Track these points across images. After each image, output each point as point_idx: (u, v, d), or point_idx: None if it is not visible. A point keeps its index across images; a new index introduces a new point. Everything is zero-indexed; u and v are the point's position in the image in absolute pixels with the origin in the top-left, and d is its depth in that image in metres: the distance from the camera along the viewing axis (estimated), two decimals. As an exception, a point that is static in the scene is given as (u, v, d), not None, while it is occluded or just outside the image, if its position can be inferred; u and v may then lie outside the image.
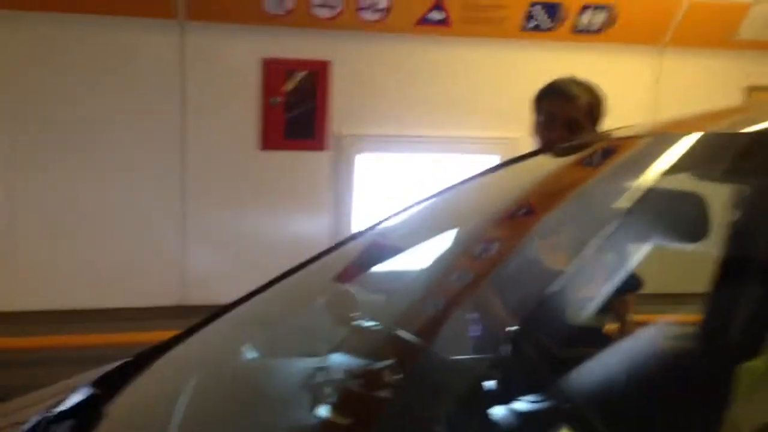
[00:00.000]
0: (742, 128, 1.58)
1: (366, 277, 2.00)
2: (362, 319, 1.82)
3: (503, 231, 2.05)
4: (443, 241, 2.04)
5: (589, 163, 2.05)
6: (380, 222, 2.02)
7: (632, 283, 2.42)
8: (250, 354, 1.80)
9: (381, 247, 2.03)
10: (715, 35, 3.53)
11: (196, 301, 3.22)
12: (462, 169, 3.59)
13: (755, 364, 1.55)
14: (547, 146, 2.48)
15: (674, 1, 3.35)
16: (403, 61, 3.39)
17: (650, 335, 2.10)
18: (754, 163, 1.66)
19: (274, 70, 3.29)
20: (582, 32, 3.42)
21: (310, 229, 3.45)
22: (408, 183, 3.54)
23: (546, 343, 1.94)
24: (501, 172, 2.24)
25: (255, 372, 1.76)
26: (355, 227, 3.51)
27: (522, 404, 1.62)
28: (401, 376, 1.53)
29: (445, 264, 2.03)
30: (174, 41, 3.15)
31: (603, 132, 2.24)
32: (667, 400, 1.74)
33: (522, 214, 2.01)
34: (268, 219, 3.41)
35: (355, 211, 3.48)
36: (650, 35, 3.51)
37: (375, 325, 1.82)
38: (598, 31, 3.42)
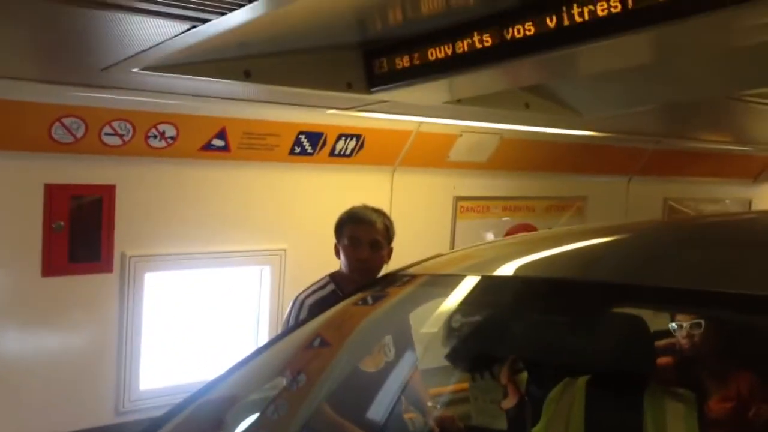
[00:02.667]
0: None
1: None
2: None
3: (306, 364, 2.41)
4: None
5: (387, 297, 2.53)
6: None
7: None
8: None
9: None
10: (434, 157, 4.38)
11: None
12: (240, 279, 3.89)
13: (538, 429, 2.12)
14: (354, 265, 2.93)
15: (406, 132, 4.11)
16: (187, 183, 3.60)
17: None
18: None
19: (57, 195, 3.25)
20: (337, 156, 3.99)
21: (95, 351, 3.43)
22: (197, 297, 3.72)
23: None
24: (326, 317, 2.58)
25: None
26: (145, 345, 3.56)
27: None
28: None
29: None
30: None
31: (399, 269, 2.73)
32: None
33: (317, 346, 2.41)
34: (52, 344, 3.30)
35: (146, 329, 3.54)
36: (388, 158, 4.22)
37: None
38: (350, 155, 4.03)
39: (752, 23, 1.94)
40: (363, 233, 2.92)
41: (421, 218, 4.43)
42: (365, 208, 3.03)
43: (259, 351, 2.36)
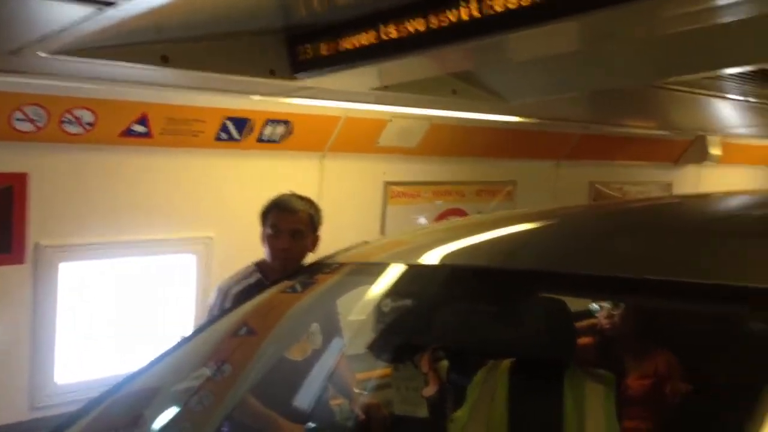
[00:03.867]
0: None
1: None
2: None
3: (232, 353, 2.38)
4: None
5: (313, 285, 2.51)
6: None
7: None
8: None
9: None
10: (363, 143, 4.35)
11: None
12: (165, 268, 3.78)
13: (460, 413, 2.16)
14: (276, 254, 2.89)
15: (334, 118, 4.06)
16: (107, 171, 3.46)
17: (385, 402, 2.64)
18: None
19: (-37, 186, 3.09)
20: (265, 142, 3.91)
21: (7, 344, 3.28)
22: (120, 287, 3.60)
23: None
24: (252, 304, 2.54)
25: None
26: (61, 338, 3.43)
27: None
28: None
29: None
30: None
31: (325, 258, 2.71)
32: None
33: (244, 335, 2.38)
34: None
35: (63, 321, 3.41)
36: (317, 144, 4.17)
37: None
38: (278, 141, 3.96)
39: (675, 12, 1.97)
40: (284, 222, 2.88)
41: (352, 204, 4.40)
42: (290, 196, 2.98)
43: (183, 342, 2.29)
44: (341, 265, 2.36)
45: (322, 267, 2.45)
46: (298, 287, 2.51)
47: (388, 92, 2.93)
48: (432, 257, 2.18)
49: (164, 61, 2.26)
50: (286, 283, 2.48)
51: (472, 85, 3.08)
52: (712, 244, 1.73)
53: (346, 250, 2.41)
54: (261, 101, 3.47)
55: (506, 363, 2.08)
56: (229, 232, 3.85)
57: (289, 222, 2.88)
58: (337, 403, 2.87)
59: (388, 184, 4.61)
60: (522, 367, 2.09)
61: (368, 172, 4.51)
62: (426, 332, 2.32)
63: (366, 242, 2.50)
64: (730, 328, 2.08)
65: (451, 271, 2.07)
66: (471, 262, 2.05)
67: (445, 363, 2.26)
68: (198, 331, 2.51)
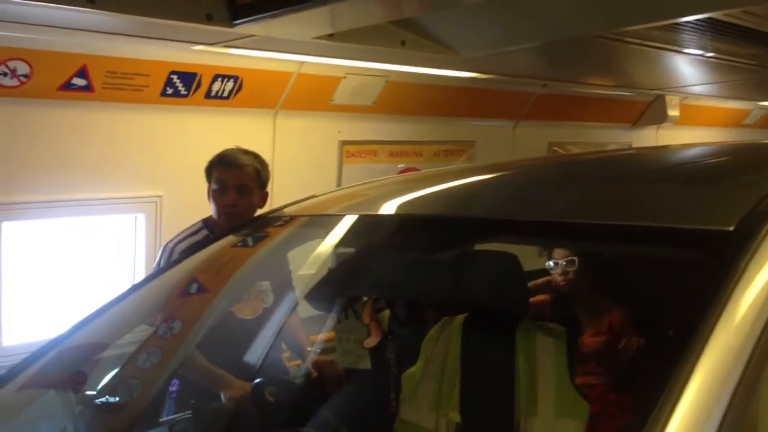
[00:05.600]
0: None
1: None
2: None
3: (182, 310, 2.34)
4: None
5: (263, 239, 2.47)
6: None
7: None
8: None
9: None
10: (317, 100, 4.27)
11: None
12: (113, 228, 3.69)
13: (414, 370, 2.14)
14: (221, 211, 2.83)
15: (286, 74, 3.97)
16: (46, 126, 3.34)
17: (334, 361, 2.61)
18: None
19: None
20: (214, 98, 3.81)
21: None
22: (61, 248, 3.50)
23: (276, 387, 2.34)
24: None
25: None
26: (6, 299, 3.34)
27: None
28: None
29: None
30: None
31: (271, 211, 2.65)
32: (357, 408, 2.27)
33: (195, 292, 2.34)
34: None
35: (7, 282, 3.31)
36: (269, 101, 4.07)
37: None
38: (228, 97, 3.86)
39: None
40: (230, 177, 2.81)
41: (306, 163, 4.33)
42: (236, 150, 2.91)
43: (126, 294, 2.22)
44: (290, 217, 2.31)
45: (270, 220, 2.41)
46: (249, 241, 2.46)
47: (335, 42, 2.85)
48: (384, 208, 2.16)
49: (90, 2, 2.16)
50: (235, 238, 2.43)
51: (421, 36, 3.01)
52: (656, 189, 1.72)
53: (294, 203, 2.37)
54: (207, 55, 3.38)
55: (459, 319, 2.08)
56: (178, 191, 3.76)
57: (235, 177, 2.82)
58: (288, 361, 2.84)
59: (343, 143, 4.54)
60: (475, 323, 2.08)
61: (323, 130, 4.43)
62: (374, 284, 2.30)
63: (313, 196, 2.45)
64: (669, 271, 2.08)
65: (402, 220, 2.05)
66: (423, 212, 2.04)
67: (386, 313, 2.23)
68: (140, 285, 2.44)
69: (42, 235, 3.45)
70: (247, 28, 2.53)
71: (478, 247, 2.15)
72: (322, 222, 2.33)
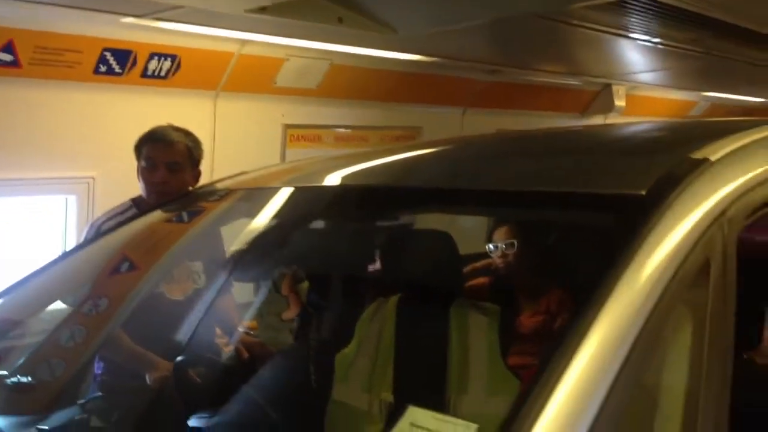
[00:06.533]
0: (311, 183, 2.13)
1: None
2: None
3: (110, 287, 2.28)
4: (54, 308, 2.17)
5: (195, 215, 2.41)
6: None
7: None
8: None
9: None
10: (260, 83, 4.19)
11: None
12: (43, 209, 3.58)
13: (348, 350, 2.12)
14: (151, 189, 2.75)
15: (227, 54, 3.89)
16: (-30, 102, 3.22)
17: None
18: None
19: None
20: (150, 77, 3.71)
21: None
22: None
23: (200, 367, 2.29)
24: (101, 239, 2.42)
25: None
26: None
27: (198, 421, 1.95)
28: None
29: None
30: None
31: (204, 186, 2.58)
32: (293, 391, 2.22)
33: (125, 270, 2.28)
34: None
35: None
36: (209, 82, 3.99)
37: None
38: (165, 77, 3.76)
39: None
40: (160, 154, 2.73)
41: (248, 147, 4.25)
42: (167, 127, 2.83)
43: (43, 269, 2.14)
44: (222, 192, 2.25)
45: (201, 195, 2.35)
46: (180, 217, 2.40)
47: (269, 17, 2.78)
48: (315, 180, 2.13)
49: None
50: (164, 214, 2.36)
51: (358, 13, 2.96)
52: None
53: (226, 178, 2.31)
54: (140, 29, 3.28)
55: (394, 299, 2.06)
56: (112, 172, 3.64)
57: (165, 154, 2.74)
58: (221, 341, 2.77)
59: (287, 126, 4.47)
60: (410, 302, 2.06)
61: (266, 113, 4.36)
62: (295, 256, 2.26)
63: (244, 172, 2.40)
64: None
65: (335, 192, 2.02)
66: (357, 183, 2.02)
67: (305, 285, 2.18)
68: (60, 258, 2.35)
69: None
70: (173, -2, 2.45)
71: (405, 213, 2.14)
72: (254, 196, 2.29)
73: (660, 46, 4.56)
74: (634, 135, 2.25)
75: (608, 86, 6.11)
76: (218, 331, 2.77)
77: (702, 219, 1.24)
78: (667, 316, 1.11)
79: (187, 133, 2.85)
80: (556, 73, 5.50)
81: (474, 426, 1.20)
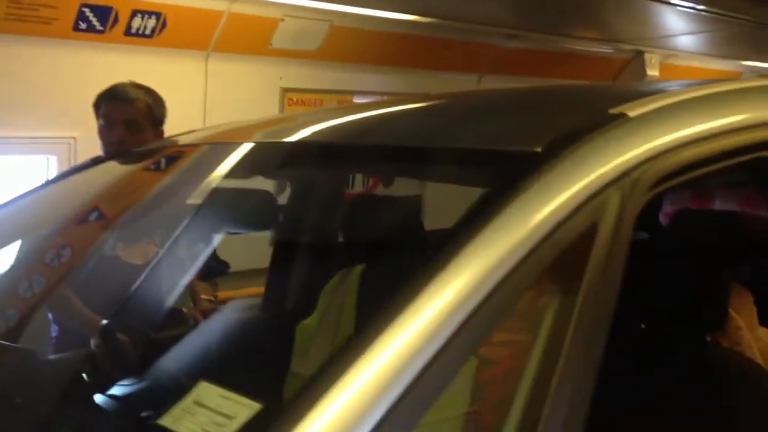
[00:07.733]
0: (283, 138, 2.02)
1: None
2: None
3: (74, 237, 2.19)
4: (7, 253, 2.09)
5: (158, 168, 2.31)
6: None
7: (216, 267, 2.75)
8: None
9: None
10: (254, 43, 4.03)
11: None
12: (22, 169, 3.52)
13: (309, 322, 2.01)
14: (109, 148, 2.64)
15: (216, 12, 3.74)
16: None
17: (225, 311, 2.50)
18: (292, 168, 2.13)
19: None
20: (134, 36, 3.59)
21: None
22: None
23: (136, 331, 2.18)
24: (66, 181, 2.36)
25: None
26: None
27: (122, 388, 1.84)
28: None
29: (16, 273, 2.09)
30: None
31: (167, 139, 2.48)
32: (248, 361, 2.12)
33: (93, 220, 2.18)
34: None
35: None
36: (198, 41, 3.85)
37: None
38: (150, 35, 3.64)
39: None
40: (117, 112, 2.62)
41: (242, 111, 4.03)
42: (127, 84, 2.71)
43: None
44: (182, 148, 2.15)
45: (155, 150, 2.23)
46: (161, 164, 2.30)
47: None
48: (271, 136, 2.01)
49: None
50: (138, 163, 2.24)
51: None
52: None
53: (184, 133, 2.19)
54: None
55: (358, 269, 2.00)
56: (94, 132, 3.54)
57: (123, 112, 2.62)
58: (177, 306, 2.68)
59: (285, 90, 4.31)
60: (372, 273, 1.98)
61: (262, 76, 4.20)
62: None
63: (193, 131, 2.29)
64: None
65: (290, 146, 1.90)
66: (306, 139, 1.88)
67: None
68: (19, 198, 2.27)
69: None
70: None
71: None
72: (212, 151, 2.17)
73: (705, 14, 4.20)
74: (567, 92, 2.08)
75: (640, 54, 5.74)
76: (185, 300, 2.67)
77: (596, 179, 1.10)
78: (526, 281, 0.99)
79: (149, 91, 2.73)
80: (581, 38, 5.19)
81: (257, 405, 1.09)
